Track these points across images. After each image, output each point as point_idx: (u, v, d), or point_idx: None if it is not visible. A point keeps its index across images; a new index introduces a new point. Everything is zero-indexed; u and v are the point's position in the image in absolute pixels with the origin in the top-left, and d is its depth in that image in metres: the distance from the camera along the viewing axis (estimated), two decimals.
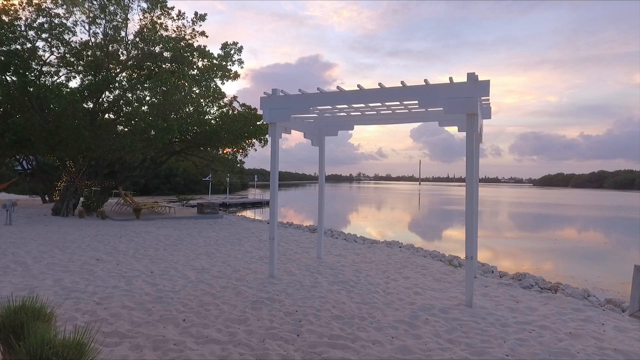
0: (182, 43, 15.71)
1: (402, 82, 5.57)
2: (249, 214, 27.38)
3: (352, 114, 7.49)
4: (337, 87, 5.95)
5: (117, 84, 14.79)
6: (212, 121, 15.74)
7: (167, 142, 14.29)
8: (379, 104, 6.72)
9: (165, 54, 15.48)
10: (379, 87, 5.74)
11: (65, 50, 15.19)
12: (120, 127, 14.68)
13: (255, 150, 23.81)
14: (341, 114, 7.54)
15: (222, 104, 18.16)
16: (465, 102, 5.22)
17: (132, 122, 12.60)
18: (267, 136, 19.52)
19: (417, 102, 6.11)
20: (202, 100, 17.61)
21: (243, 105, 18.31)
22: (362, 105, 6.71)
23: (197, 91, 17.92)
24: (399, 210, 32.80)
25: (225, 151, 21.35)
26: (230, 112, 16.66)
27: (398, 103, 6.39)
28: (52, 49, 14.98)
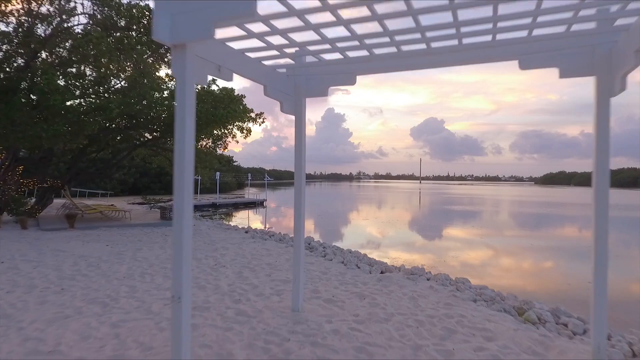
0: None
1: None
2: (242, 214, 23.98)
3: (347, 44, 3.92)
4: None
5: (41, 57, 11.23)
6: (168, 102, 12.03)
7: (104, 127, 10.75)
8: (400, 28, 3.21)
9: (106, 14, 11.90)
10: None
11: None
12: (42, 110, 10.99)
13: (237, 142, 20.32)
14: (325, 47, 3.98)
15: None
16: None
17: (49, 98, 8.98)
18: (247, 124, 15.96)
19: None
20: (164, 79, 14.06)
21: (224, 89, 14.69)
22: (373, 29, 3.21)
23: (165, 73, 14.40)
24: (405, 212, 29.26)
25: (204, 145, 17.78)
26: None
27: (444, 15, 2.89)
28: None
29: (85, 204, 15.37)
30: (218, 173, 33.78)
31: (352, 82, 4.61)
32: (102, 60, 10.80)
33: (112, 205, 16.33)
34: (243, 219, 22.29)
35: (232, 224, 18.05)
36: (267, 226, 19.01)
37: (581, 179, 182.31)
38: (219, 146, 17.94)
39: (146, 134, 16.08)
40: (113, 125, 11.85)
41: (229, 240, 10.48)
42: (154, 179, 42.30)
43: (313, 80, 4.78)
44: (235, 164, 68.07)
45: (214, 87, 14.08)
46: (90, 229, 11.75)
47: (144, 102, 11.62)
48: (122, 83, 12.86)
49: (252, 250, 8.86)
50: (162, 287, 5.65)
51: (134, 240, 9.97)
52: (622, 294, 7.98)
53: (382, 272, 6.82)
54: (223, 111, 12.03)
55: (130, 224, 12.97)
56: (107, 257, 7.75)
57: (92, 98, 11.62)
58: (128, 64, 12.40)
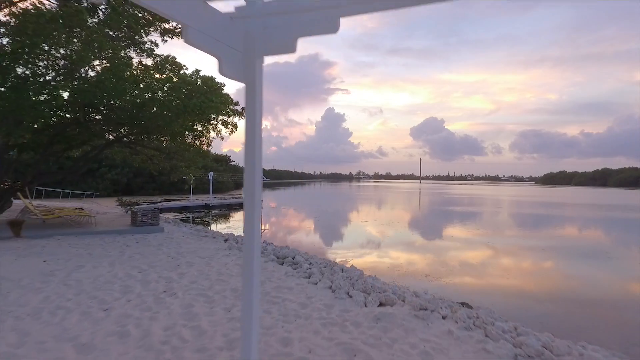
0: None
1: None
2: (238, 216, 22.30)
3: None
4: None
5: None
6: (136, 91, 10.28)
7: (52, 119, 9.07)
8: None
9: None
10: None
11: None
12: None
13: (222, 138, 18.64)
14: None
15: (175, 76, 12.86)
16: None
17: None
18: (233, 118, 14.29)
19: None
20: (140, 67, 12.36)
21: (203, 77, 12.97)
22: None
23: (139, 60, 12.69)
24: (405, 213, 27.55)
25: (187, 141, 16.13)
26: (167, 78, 11.21)
27: None
28: None
29: (47, 207, 13.69)
30: (211, 173, 31.98)
31: (334, 28, 2.88)
32: (58, 45, 9.09)
33: (79, 209, 14.62)
34: (237, 221, 20.64)
35: (216, 228, 16.39)
36: (266, 227, 17.64)
37: (582, 179, 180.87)
38: (202, 143, 16.30)
39: (121, 130, 14.42)
40: (68, 116, 10.12)
41: (200, 252, 8.81)
42: (148, 179, 40.52)
43: (274, 28, 3.08)
44: (233, 163, 66.46)
45: (184, 72, 12.40)
46: (41, 237, 10.07)
47: (110, 91, 9.87)
48: (91, 73, 11.16)
49: (221, 268, 7.18)
50: (65, 336, 3.96)
51: (83, 253, 8.29)
52: None
53: (380, 304, 5.13)
54: (197, 100, 10.34)
55: (94, 230, 11.30)
56: (29, 279, 6.07)
57: (50, 87, 9.94)
58: (95, 51, 10.73)
